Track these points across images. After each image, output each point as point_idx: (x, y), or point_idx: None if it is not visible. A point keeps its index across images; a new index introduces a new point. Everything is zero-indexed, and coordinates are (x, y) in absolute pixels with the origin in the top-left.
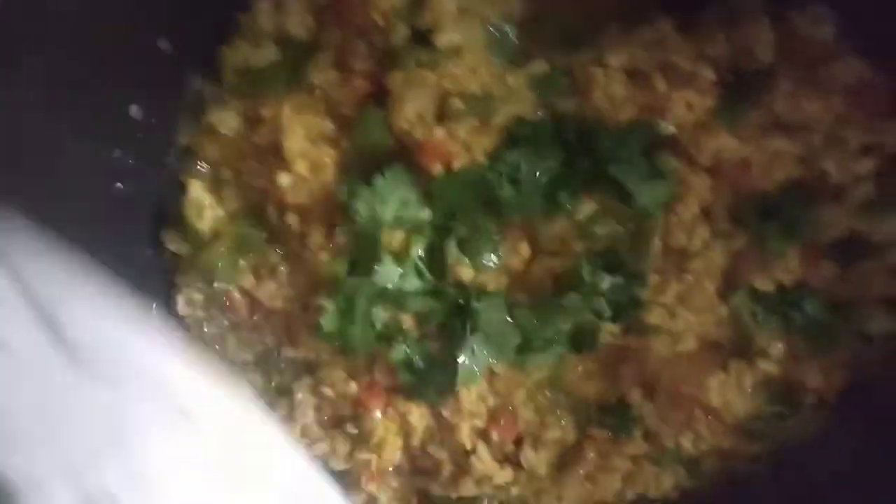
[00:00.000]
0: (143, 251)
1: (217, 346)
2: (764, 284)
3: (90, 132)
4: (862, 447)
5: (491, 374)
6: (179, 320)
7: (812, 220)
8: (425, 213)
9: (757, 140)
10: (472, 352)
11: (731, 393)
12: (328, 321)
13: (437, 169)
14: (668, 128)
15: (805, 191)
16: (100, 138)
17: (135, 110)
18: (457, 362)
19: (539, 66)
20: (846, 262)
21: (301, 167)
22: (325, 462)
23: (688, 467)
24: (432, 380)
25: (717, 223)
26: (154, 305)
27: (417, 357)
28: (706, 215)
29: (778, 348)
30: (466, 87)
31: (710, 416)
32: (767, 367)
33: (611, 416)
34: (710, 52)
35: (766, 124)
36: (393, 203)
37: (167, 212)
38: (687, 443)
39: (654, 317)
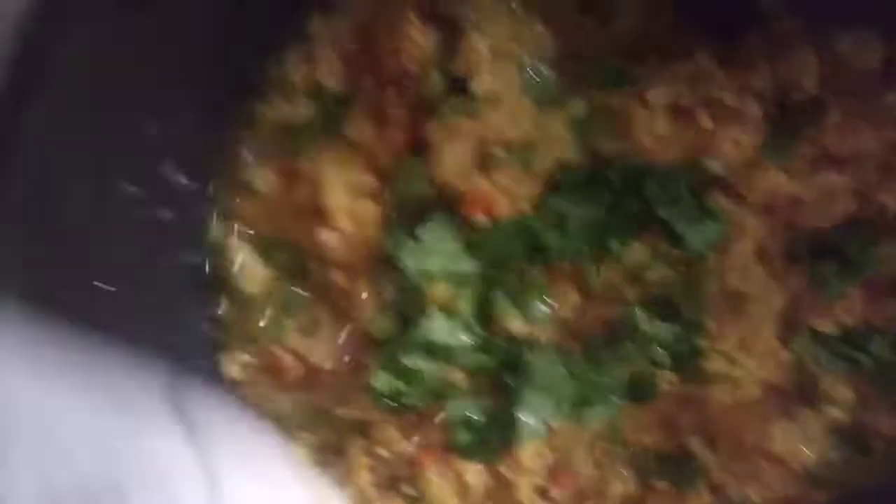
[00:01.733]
0: (190, 316)
1: (268, 409)
2: (825, 326)
3: (130, 197)
4: None
5: (548, 429)
6: (229, 384)
7: (872, 257)
8: (471, 265)
9: (808, 175)
10: (531, 406)
11: (796, 441)
12: (379, 380)
13: (480, 219)
14: (716, 167)
15: (863, 226)
16: (140, 203)
17: (171, 172)
18: (514, 418)
19: (578, 107)
20: None
21: (342, 222)
22: None
23: None
24: (490, 437)
25: (772, 264)
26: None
27: (474, 414)
28: (761, 256)
29: (844, 392)
30: (506, 134)
31: (775, 465)
32: (834, 412)
33: (673, 467)
34: (754, 85)
35: (816, 158)
36: (439, 255)
37: (212, 275)
38: (752, 493)
39: (713, 364)
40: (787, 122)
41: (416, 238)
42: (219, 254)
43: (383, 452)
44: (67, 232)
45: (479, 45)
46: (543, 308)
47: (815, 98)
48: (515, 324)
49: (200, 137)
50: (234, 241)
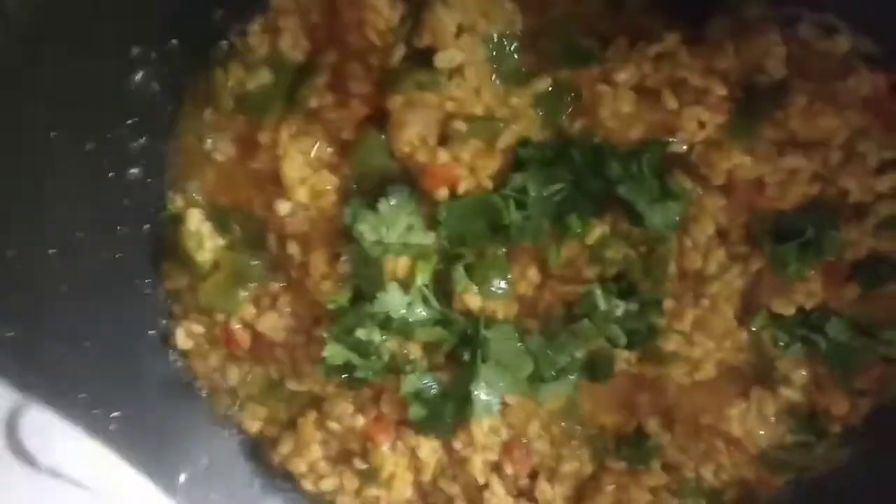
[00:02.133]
0: (142, 285)
1: (217, 381)
2: (784, 308)
3: (87, 165)
4: (890, 476)
5: (503, 406)
6: (180, 353)
7: (832, 241)
8: (430, 239)
9: (772, 158)
10: (486, 382)
11: (753, 422)
12: (332, 353)
13: (441, 193)
14: (680, 146)
15: (824, 210)
16: (98, 165)
17: (129, 137)
18: (469, 393)
19: (543, 84)
20: (870, 284)
21: (301, 194)
22: (333, 499)
23: (709, 499)
24: (444, 412)
25: (733, 245)
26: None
27: (429, 389)
28: (722, 237)
29: (801, 374)
30: (469, 109)
31: (731, 446)
32: (790, 394)
33: (628, 446)
34: (719, 66)
35: (780, 141)
36: (398, 227)
37: (165, 244)
38: (708, 473)
39: (671, 344)
40: (752, 104)
41: (374, 210)
42: (174, 222)
43: (335, 426)
44: (22, 186)
45: (446, 18)
46: (502, 284)
47: (781, 81)
48: (474, 299)
49: (159, 103)
50: (189, 211)
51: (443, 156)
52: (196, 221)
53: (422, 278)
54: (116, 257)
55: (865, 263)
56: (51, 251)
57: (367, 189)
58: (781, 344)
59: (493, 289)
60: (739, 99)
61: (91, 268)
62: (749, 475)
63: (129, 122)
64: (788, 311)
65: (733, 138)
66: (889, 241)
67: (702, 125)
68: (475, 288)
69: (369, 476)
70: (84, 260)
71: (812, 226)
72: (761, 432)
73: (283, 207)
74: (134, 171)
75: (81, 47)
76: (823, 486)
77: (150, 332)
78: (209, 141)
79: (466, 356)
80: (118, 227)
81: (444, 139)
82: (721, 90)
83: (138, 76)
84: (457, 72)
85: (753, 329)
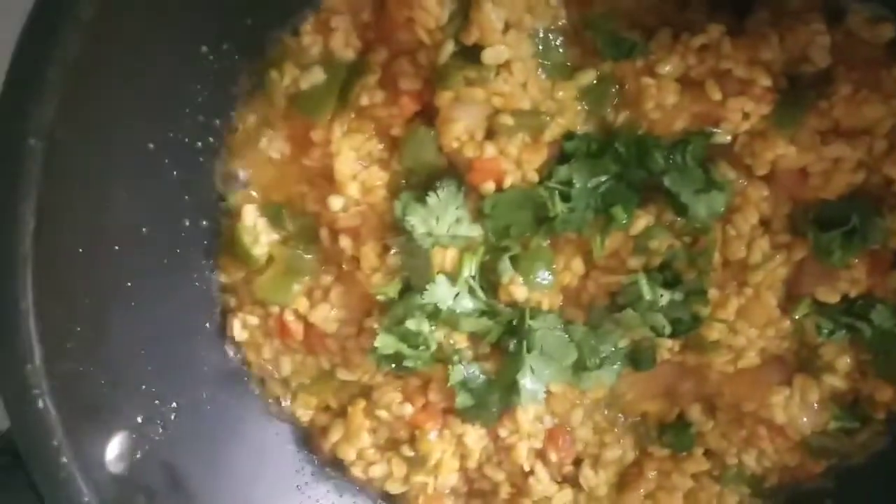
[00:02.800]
0: (200, 278)
1: (272, 370)
2: (828, 296)
3: (150, 164)
4: None
5: (548, 394)
6: (235, 345)
7: (877, 229)
8: (477, 231)
9: (816, 147)
10: (532, 371)
11: (795, 409)
12: (382, 343)
13: (488, 187)
14: (724, 137)
15: (868, 198)
16: (158, 163)
17: (186, 135)
18: (515, 382)
19: (587, 77)
20: None
21: (353, 189)
22: (381, 485)
23: (751, 485)
24: (491, 401)
25: (776, 234)
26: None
27: (475, 378)
28: (765, 227)
29: (845, 361)
30: (516, 104)
31: (774, 433)
32: (834, 381)
33: (671, 434)
34: (763, 57)
35: (824, 130)
36: (446, 220)
37: (222, 237)
38: (750, 460)
39: (715, 332)
40: (796, 94)
41: (423, 203)
42: (230, 218)
43: (384, 414)
44: (89, 184)
45: (493, 15)
46: (547, 275)
47: (825, 71)
48: (519, 290)
49: (215, 103)
50: (245, 206)
51: (489, 150)
52: (252, 217)
53: (468, 270)
54: (178, 252)
55: None
56: (116, 247)
57: (415, 184)
58: (825, 331)
59: (537, 280)
60: (783, 89)
61: (153, 263)
62: (791, 462)
63: (189, 122)
64: (833, 298)
65: (777, 128)
66: None
67: (746, 116)
68: (520, 279)
69: (417, 463)
70: (147, 256)
71: (856, 214)
72: (804, 419)
73: (335, 203)
74: (193, 169)
75: (142, 51)
76: (863, 473)
77: (206, 324)
78: (264, 140)
79: (512, 346)
80: (179, 223)
81: (490, 134)
82: (765, 81)
83: (196, 78)
84: (504, 67)
85: (797, 317)
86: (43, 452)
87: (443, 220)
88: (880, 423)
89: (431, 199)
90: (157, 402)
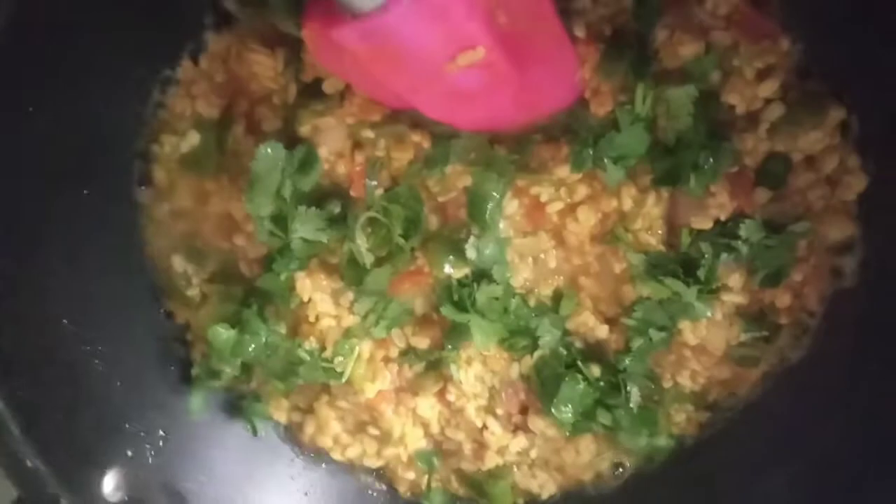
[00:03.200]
0: (155, 323)
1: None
2: (701, 223)
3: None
4: (857, 349)
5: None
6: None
7: (726, 152)
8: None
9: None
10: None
11: (703, 330)
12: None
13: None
14: None
15: (714, 124)
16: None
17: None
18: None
19: None
20: (775, 184)
21: (250, 226)
22: (361, 462)
23: (693, 402)
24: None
25: (638, 178)
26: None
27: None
28: (631, 176)
29: (736, 279)
30: (368, 117)
31: (697, 353)
32: (732, 298)
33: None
34: (576, 7)
35: (656, 73)
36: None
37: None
38: (685, 380)
39: None
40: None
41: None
42: (160, 266)
43: (344, 404)
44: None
45: None
46: None
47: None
48: None
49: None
50: (172, 256)
51: (360, 159)
52: (179, 263)
53: None
54: (127, 309)
55: (767, 166)
56: (65, 321)
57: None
58: (706, 256)
59: None
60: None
61: (107, 323)
62: (722, 375)
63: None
64: (706, 225)
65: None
66: (784, 142)
67: None
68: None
69: (384, 439)
70: (98, 319)
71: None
72: (716, 336)
73: (238, 240)
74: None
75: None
76: (798, 374)
77: (174, 362)
78: (165, 205)
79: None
80: (120, 277)
81: (359, 145)
82: (581, 33)
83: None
84: (346, 90)
85: (683, 249)
86: (43, 500)
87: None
88: (796, 325)
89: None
90: (142, 434)
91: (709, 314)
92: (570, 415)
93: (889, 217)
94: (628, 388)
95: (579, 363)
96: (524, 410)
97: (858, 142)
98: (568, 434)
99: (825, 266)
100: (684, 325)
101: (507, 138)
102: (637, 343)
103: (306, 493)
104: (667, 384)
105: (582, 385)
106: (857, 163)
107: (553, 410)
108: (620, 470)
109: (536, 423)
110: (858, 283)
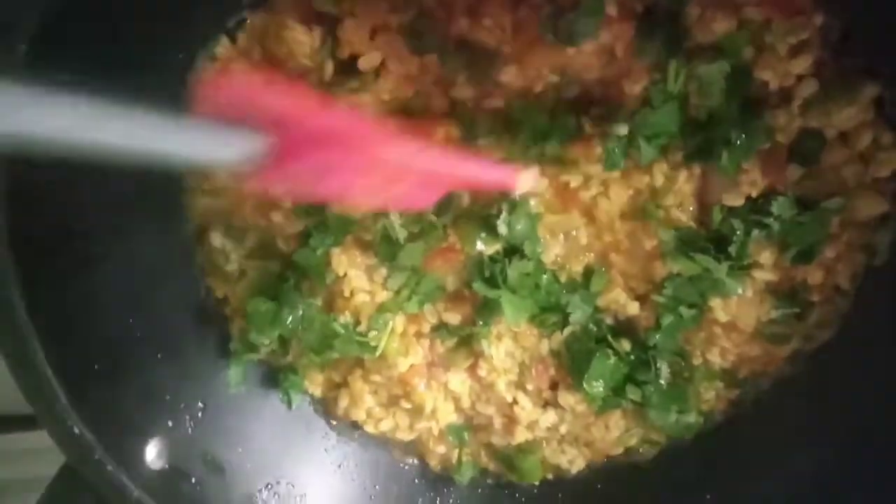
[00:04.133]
0: (197, 295)
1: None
2: (733, 200)
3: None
4: (888, 328)
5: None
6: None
7: (760, 130)
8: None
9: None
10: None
11: (734, 306)
12: None
13: None
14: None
15: (747, 101)
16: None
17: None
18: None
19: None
20: (808, 161)
21: (288, 204)
22: (393, 436)
23: (723, 379)
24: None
25: (670, 154)
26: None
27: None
28: (663, 153)
29: (766, 256)
30: (402, 94)
31: (727, 329)
32: (763, 275)
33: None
34: None
35: (690, 50)
36: None
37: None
38: (714, 357)
39: None
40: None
41: None
42: (200, 242)
43: (378, 378)
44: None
45: (357, 28)
46: None
47: None
48: None
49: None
50: (211, 232)
51: None
52: (218, 239)
53: None
54: (174, 280)
55: (800, 142)
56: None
57: None
58: (738, 233)
59: None
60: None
61: (153, 296)
62: (752, 352)
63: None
64: (738, 202)
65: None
66: (817, 118)
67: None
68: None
69: (416, 412)
70: (145, 290)
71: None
72: (747, 313)
73: (276, 217)
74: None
75: None
76: (828, 353)
77: (214, 334)
78: (205, 183)
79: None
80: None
81: None
82: (612, 10)
83: None
84: (381, 67)
85: (715, 226)
86: (89, 466)
87: None
88: (822, 306)
89: None
90: (182, 405)
91: (739, 291)
92: (600, 389)
93: None
94: (658, 364)
95: (609, 338)
96: (554, 386)
97: (892, 118)
98: (597, 410)
99: (858, 243)
100: (715, 302)
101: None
102: (667, 320)
103: (339, 466)
104: (696, 361)
105: (612, 360)
106: (890, 139)
107: (584, 385)
108: (648, 446)
109: (566, 398)
110: (890, 261)
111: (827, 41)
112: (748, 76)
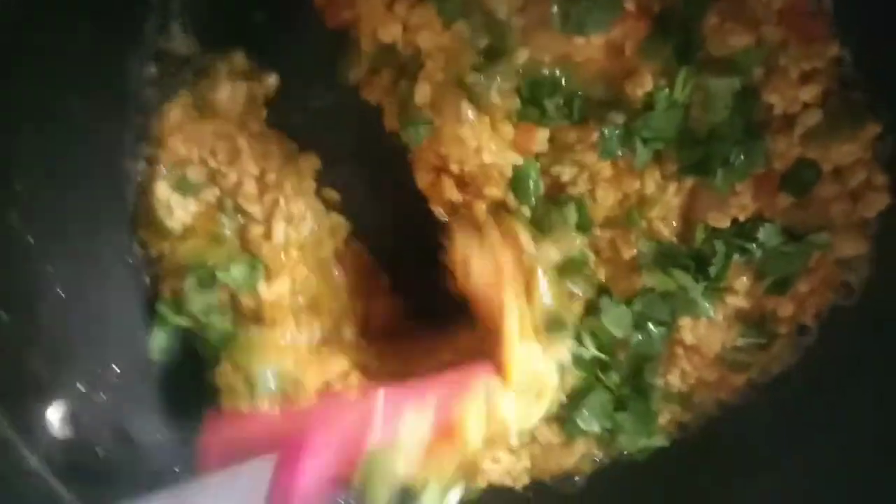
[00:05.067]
0: (124, 252)
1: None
2: (719, 221)
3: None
4: (847, 368)
5: None
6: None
7: (760, 153)
8: None
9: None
10: None
11: (702, 329)
12: None
13: None
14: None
15: (751, 123)
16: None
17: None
18: None
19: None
20: (800, 191)
21: None
22: None
23: (680, 402)
24: None
25: (665, 164)
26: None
27: None
28: (657, 161)
29: (742, 282)
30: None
31: (690, 352)
32: (735, 301)
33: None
34: None
35: (700, 62)
36: None
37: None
38: (675, 379)
39: None
40: (664, 23)
41: None
42: (145, 194)
43: None
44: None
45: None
46: None
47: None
48: None
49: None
50: (157, 182)
51: None
52: (163, 191)
53: None
54: (98, 232)
55: (796, 171)
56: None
57: None
58: (719, 255)
59: None
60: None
61: (73, 247)
62: (710, 377)
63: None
64: (723, 223)
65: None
66: (816, 149)
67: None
68: None
69: None
70: (67, 240)
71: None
72: (713, 338)
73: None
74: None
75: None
76: (782, 384)
77: (137, 296)
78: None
79: None
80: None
81: None
82: (631, 6)
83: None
84: None
85: (696, 245)
86: None
87: None
88: (790, 336)
89: None
90: (98, 369)
91: (711, 313)
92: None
93: None
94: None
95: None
96: None
97: (888, 160)
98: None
99: (831, 280)
100: (684, 321)
101: None
102: (635, 339)
103: None
104: (656, 381)
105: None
106: (882, 181)
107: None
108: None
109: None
110: (859, 303)
111: (837, 73)
112: (756, 97)
